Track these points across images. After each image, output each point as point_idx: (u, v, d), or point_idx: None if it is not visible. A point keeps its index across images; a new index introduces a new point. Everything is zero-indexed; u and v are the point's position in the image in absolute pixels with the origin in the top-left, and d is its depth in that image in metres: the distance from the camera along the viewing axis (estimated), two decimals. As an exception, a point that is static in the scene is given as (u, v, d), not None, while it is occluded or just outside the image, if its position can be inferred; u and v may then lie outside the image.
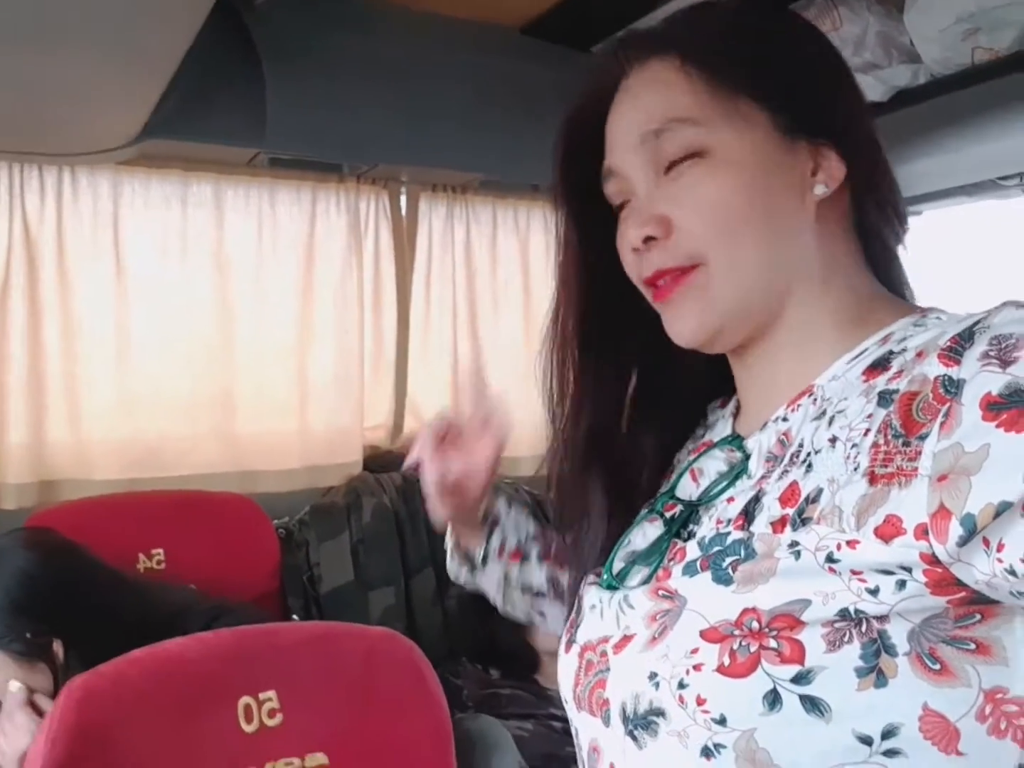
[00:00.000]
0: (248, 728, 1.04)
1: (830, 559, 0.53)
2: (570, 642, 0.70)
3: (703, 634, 0.56)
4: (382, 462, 2.02)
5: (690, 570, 0.61)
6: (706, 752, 0.54)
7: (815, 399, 0.63)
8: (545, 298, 2.30)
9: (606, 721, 0.61)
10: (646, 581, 0.65)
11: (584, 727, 0.64)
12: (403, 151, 1.81)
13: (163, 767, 1.00)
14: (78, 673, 1.28)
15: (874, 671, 0.51)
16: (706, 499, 0.67)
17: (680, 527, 0.67)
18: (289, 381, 1.90)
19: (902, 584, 0.51)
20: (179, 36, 1.18)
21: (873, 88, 1.48)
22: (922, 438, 0.51)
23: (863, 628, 0.52)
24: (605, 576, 0.69)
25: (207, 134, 1.63)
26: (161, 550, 1.64)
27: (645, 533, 0.70)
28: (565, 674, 0.68)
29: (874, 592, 0.52)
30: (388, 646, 1.14)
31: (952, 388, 0.51)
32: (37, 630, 1.29)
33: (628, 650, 0.61)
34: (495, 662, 1.77)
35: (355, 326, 1.94)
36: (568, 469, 0.76)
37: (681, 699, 0.55)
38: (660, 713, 0.57)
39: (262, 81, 1.65)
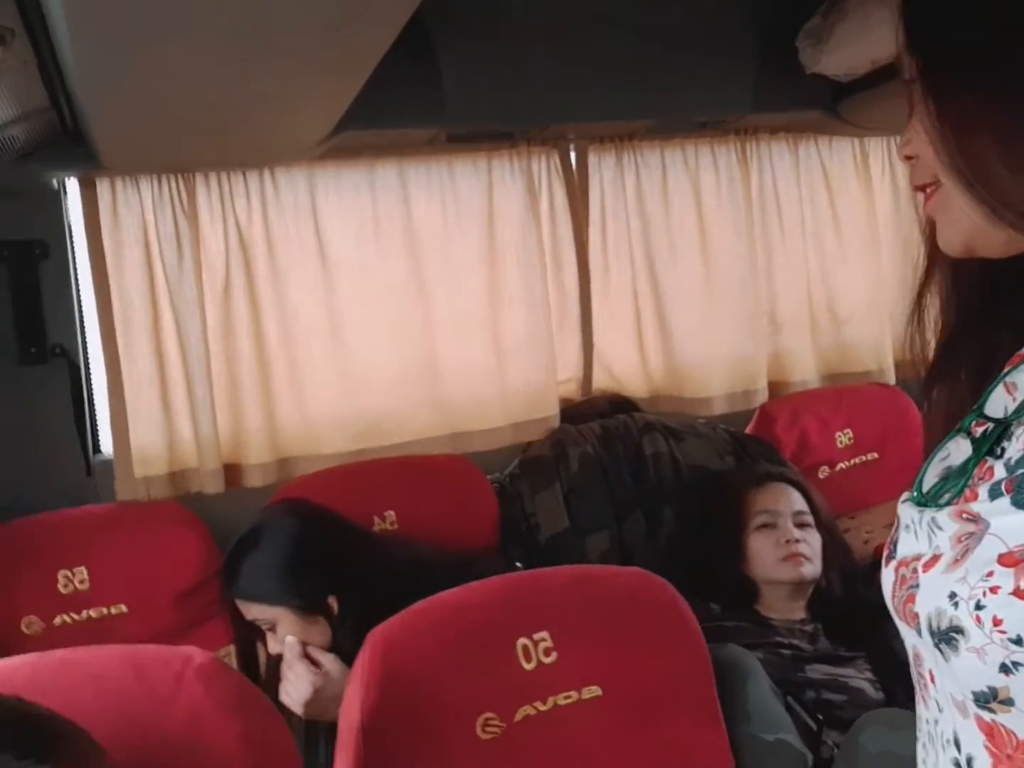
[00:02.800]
0: (528, 666, 1.13)
1: None
2: (889, 557, 0.72)
3: (1001, 558, 0.58)
4: (576, 413, 2.09)
5: (994, 492, 0.62)
6: (1004, 668, 0.57)
7: None
8: (720, 234, 2.28)
9: (919, 632, 0.64)
10: (953, 500, 0.66)
11: (906, 635, 0.68)
12: (571, 108, 1.84)
13: (457, 706, 1.10)
14: (351, 626, 1.44)
15: None
16: (1017, 415, 0.65)
17: (992, 444, 0.67)
18: (485, 345, 1.99)
19: None
20: (383, 34, 1.24)
21: None
22: None
23: None
24: (915, 493, 0.71)
25: (391, 120, 1.71)
26: (392, 512, 1.77)
27: (959, 447, 0.70)
28: (885, 586, 0.71)
29: None
30: (644, 584, 1.21)
31: None
32: (313, 586, 1.44)
33: (935, 569, 0.63)
34: (714, 596, 1.82)
35: (539, 285, 2.01)
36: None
37: (978, 619, 0.58)
38: (960, 631, 0.59)
39: (436, 60, 1.72)
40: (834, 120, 2.06)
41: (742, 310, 2.16)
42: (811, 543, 1.81)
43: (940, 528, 0.65)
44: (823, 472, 2.15)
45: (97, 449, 1.86)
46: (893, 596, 0.69)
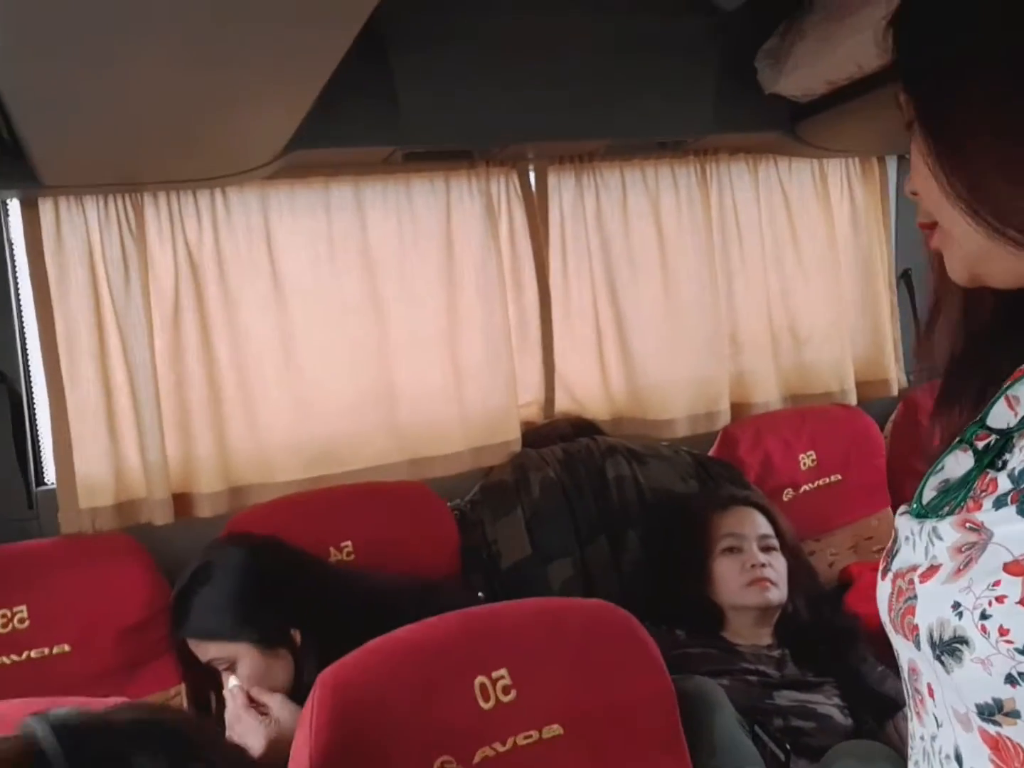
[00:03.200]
0: (486, 706, 1.09)
1: None
2: (886, 569, 0.71)
3: (1007, 567, 0.57)
4: (538, 437, 2.06)
5: (999, 503, 0.62)
6: (1010, 679, 0.56)
7: None
8: (681, 255, 2.27)
9: (917, 645, 0.63)
10: (954, 511, 0.66)
11: (901, 649, 0.68)
12: (530, 128, 1.82)
13: (413, 750, 1.06)
14: (314, 660, 1.38)
15: None
16: (1020, 427, 0.65)
17: (994, 457, 0.66)
18: (444, 368, 1.95)
19: None
20: (336, 44, 1.21)
21: None
22: None
23: None
24: (915, 505, 0.70)
25: (346, 139, 1.67)
26: (349, 541, 1.72)
27: (958, 461, 0.70)
28: (881, 599, 0.71)
29: None
30: (605, 616, 1.17)
31: None
32: (272, 617, 1.38)
33: (934, 580, 0.63)
34: (680, 622, 1.79)
35: (499, 307, 1.97)
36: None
37: (983, 629, 0.57)
38: (964, 641, 0.58)
39: (391, 78, 1.69)
40: (792, 141, 2.06)
41: (703, 331, 2.15)
42: (777, 567, 1.79)
43: (940, 538, 0.65)
44: (787, 494, 2.13)
45: (41, 480, 1.78)
46: (890, 609, 0.68)
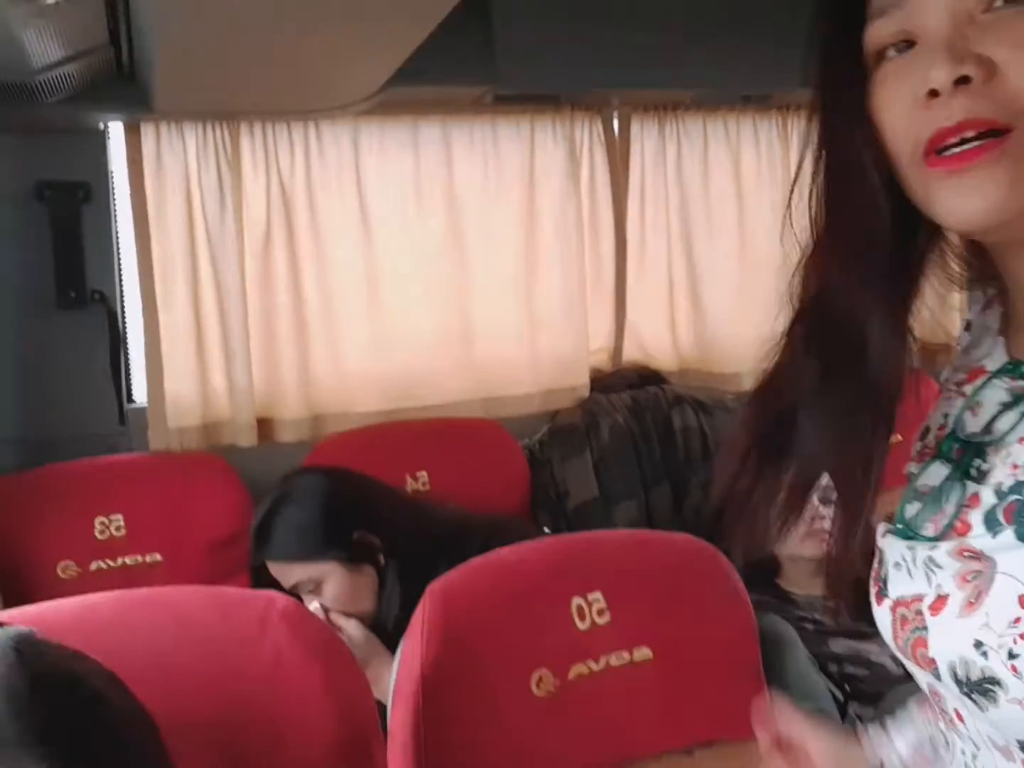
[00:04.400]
0: (582, 626, 1.14)
1: None
2: (880, 595, 0.68)
3: (1021, 601, 0.53)
4: (605, 384, 2.10)
5: (991, 524, 0.58)
6: None
7: None
8: (758, 211, 2.27)
9: (937, 677, 0.60)
10: (944, 532, 0.62)
11: (917, 675, 0.64)
12: (617, 75, 1.83)
13: (513, 663, 1.11)
14: (396, 583, 1.44)
15: None
16: (996, 437, 0.60)
17: (968, 466, 0.62)
18: (519, 310, 1.99)
19: None
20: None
21: None
22: None
23: None
24: (899, 525, 0.66)
25: (442, 77, 1.69)
26: (425, 472, 1.78)
27: (934, 474, 0.65)
28: (882, 625, 0.67)
29: None
30: (695, 550, 1.22)
31: None
32: (353, 536, 1.43)
33: (945, 613, 0.59)
34: (736, 570, 1.83)
35: (576, 252, 2.00)
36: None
37: (1014, 669, 0.53)
38: (996, 682, 0.55)
39: (489, 19, 1.70)
40: (879, 99, 2.05)
41: (776, 287, 2.16)
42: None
43: (939, 567, 0.61)
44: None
45: (130, 398, 1.85)
46: (896, 637, 0.65)
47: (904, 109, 0.54)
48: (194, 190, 1.73)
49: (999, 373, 0.62)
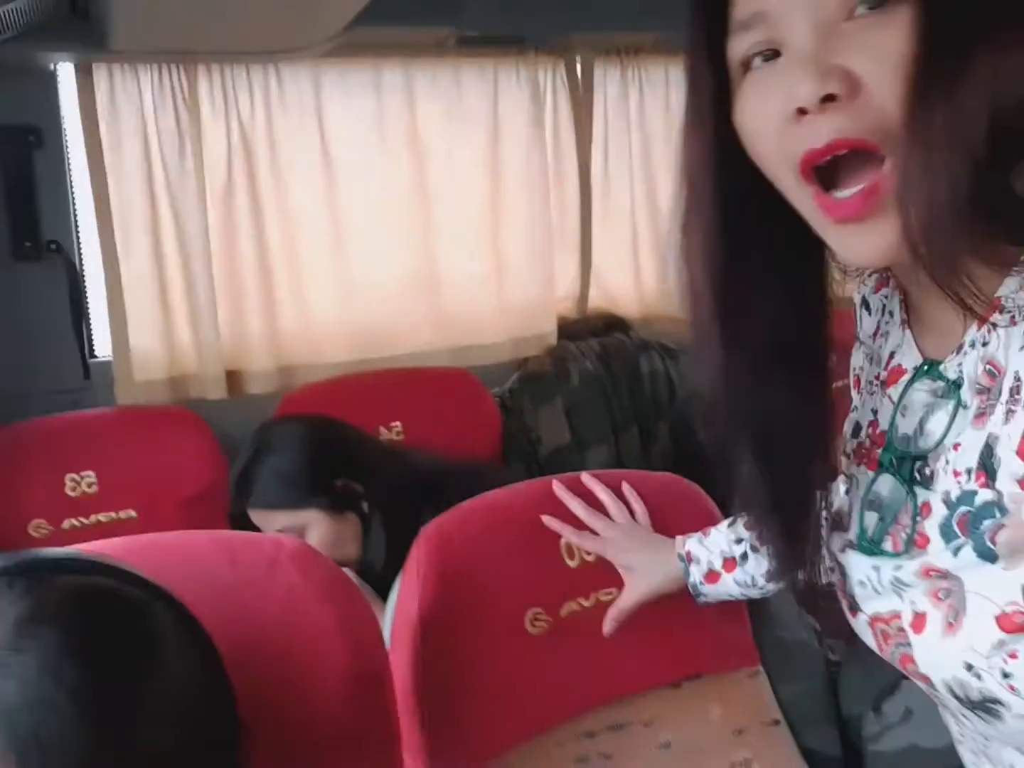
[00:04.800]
0: (571, 563, 1.15)
1: None
2: (853, 608, 0.68)
3: (1000, 623, 0.54)
4: (572, 331, 2.11)
5: (949, 536, 0.58)
6: None
7: (1011, 315, 0.54)
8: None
9: (932, 688, 0.61)
10: (906, 547, 0.62)
11: (910, 675, 0.64)
12: (585, 16, 1.80)
13: (508, 602, 1.12)
14: (379, 529, 1.44)
15: None
16: (932, 444, 0.61)
17: (912, 473, 0.63)
18: (485, 257, 1.98)
19: None
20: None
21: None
22: None
23: None
24: (861, 542, 0.66)
25: (405, 17, 1.65)
26: (399, 423, 1.77)
27: (883, 484, 0.66)
28: (862, 634, 0.67)
29: None
30: (679, 487, 1.24)
31: None
32: (336, 483, 1.43)
33: (927, 633, 0.59)
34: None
35: (541, 199, 1.99)
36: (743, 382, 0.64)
37: (1012, 688, 0.53)
38: (998, 701, 0.55)
39: (455, -43, 1.66)
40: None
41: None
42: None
43: (907, 585, 0.61)
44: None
45: (92, 353, 1.79)
46: (881, 649, 0.66)
47: (773, 124, 0.53)
48: (151, 135, 1.67)
49: (918, 374, 0.63)
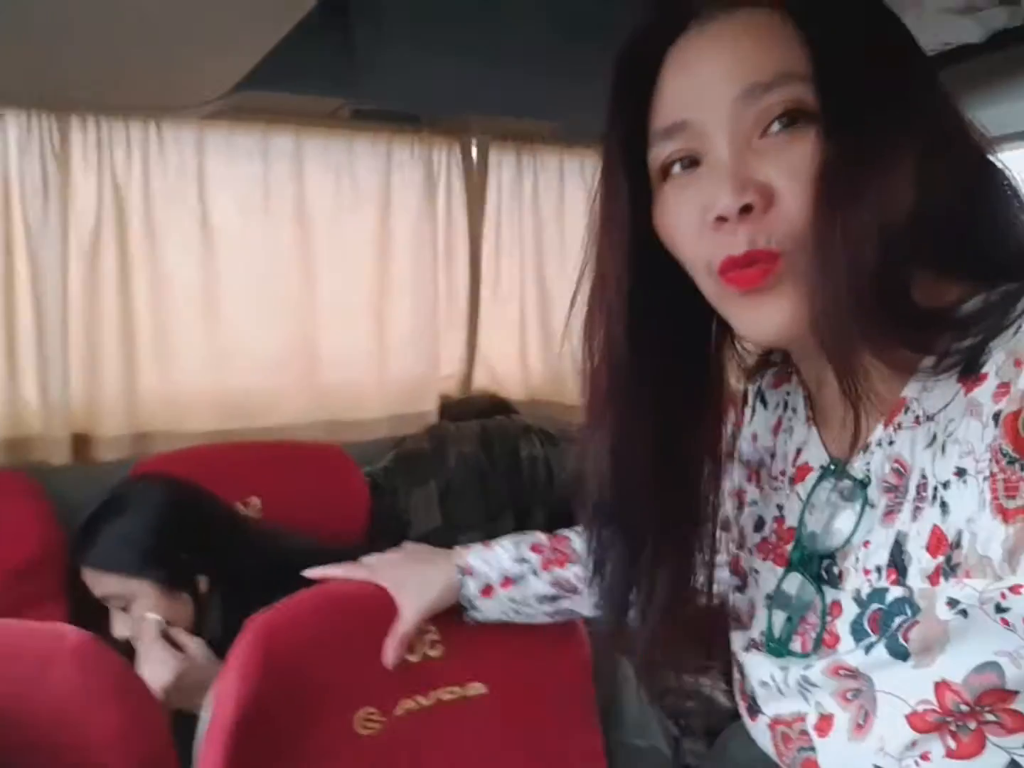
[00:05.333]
0: (412, 658, 1.09)
1: (999, 609, 0.48)
2: (752, 710, 0.66)
3: (911, 723, 0.53)
4: (455, 410, 2.07)
5: (859, 634, 0.57)
6: None
7: (916, 416, 0.56)
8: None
9: None
10: (815, 647, 0.62)
11: None
12: (483, 100, 1.81)
13: (337, 698, 1.05)
14: (219, 611, 1.34)
15: None
16: (840, 543, 0.61)
17: (819, 571, 0.63)
18: (369, 332, 1.93)
19: None
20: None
21: (971, 30, 1.50)
22: None
23: None
24: (769, 643, 0.65)
25: (298, 85, 1.63)
26: (257, 498, 1.68)
27: (790, 580, 0.66)
28: (760, 739, 0.66)
29: None
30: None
31: None
32: (181, 559, 1.32)
33: (834, 736, 0.58)
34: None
35: (430, 276, 1.97)
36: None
37: None
38: None
39: (350, 30, 1.65)
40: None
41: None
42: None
43: (815, 685, 0.59)
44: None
45: (-73, 407, 1.66)
46: (780, 755, 0.65)
47: (693, 229, 0.57)
48: (13, 183, 1.59)
49: (825, 474, 0.64)
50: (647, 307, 0.62)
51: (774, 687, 0.63)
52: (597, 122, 2.11)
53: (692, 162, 0.58)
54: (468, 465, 1.90)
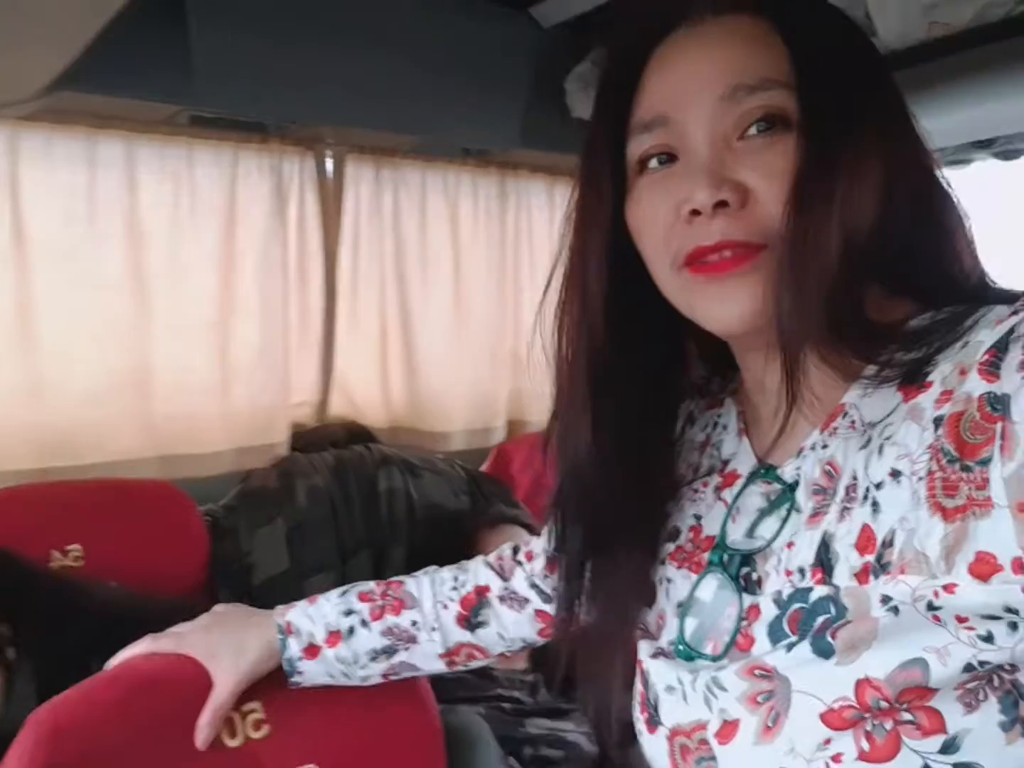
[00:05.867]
0: (232, 743, 0.96)
1: (931, 607, 0.49)
2: (652, 722, 0.65)
3: (825, 720, 0.52)
4: (308, 441, 1.93)
5: (777, 635, 0.57)
6: None
7: (852, 421, 0.57)
8: (474, 268, 2.23)
9: None
10: (726, 650, 0.61)
11: None
12: (333, 110, 1.71)
13: (143, 795, 0.91)
14: (33, 688, 1.17)
15: (1018, 722, 0.49)
16: (762, 545, 0.61)
17: (738, 576, 0.62)
18: (210, 358, 1.77)
19: (1014, 626, 0.48)
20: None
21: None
22: (983, 463, 0.48)
23: (995, 683, 0.50)
24: (680, 647, 0.64)
25: (127, 87, 1.48)
26: (78, 545, 1.50)
27: (705, 586, 0.65)
28: (657, 754, 0.64)
29: (988, 639, 0.49)
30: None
31: (999, 406, 0.48)
32: None
33: (738, 741, 0.57)
34: None
35: (280, 297, 1.83)
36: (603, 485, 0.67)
37: None
38: None
39: (186, 31, 1.51)
40: (593, 169, 2.09)
41: (489, 346, 2.12)
42: (540, 591, 1.78)
43: (723, 688, 0.58)
44: (554, 516, 2.14)
45: None
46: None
47: (665, 220, 0.59)
48: None
49: (753, 478, 0.65)
50: (624, 298, 0.64)
51: (679, 692, 0.62)
52: (460, 136, 2.03)
53: (670, 158, 0.60)
54: (319, 500, 1.76)
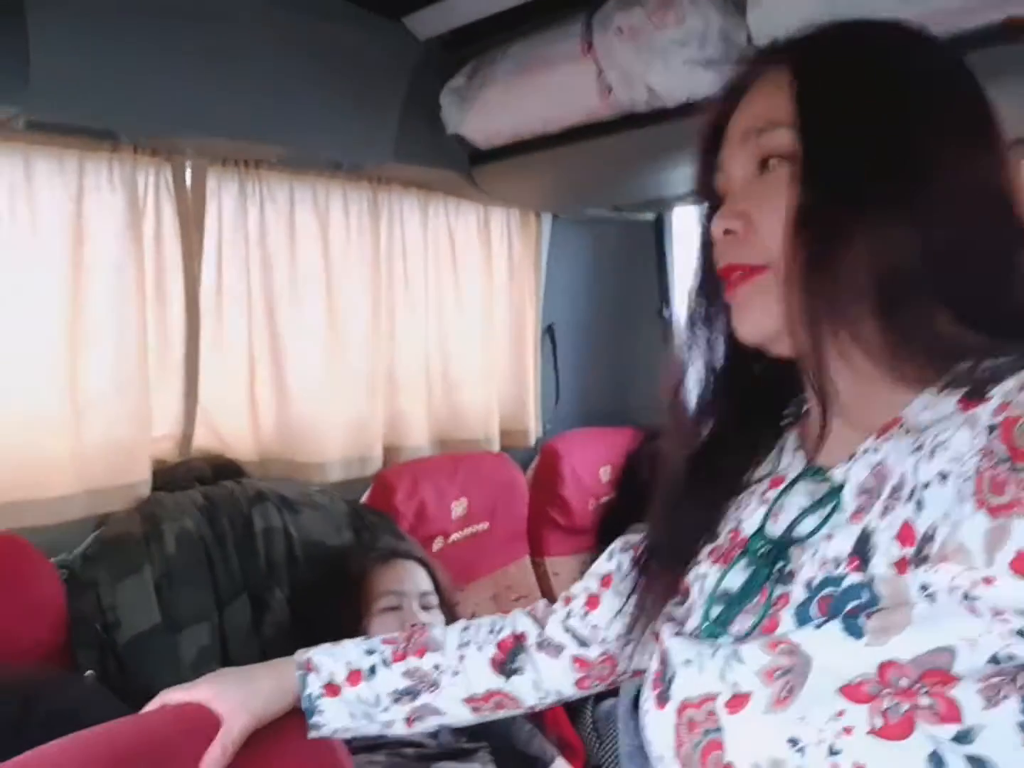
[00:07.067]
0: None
1: (968, 597, 0.51)
2: (662, 698, 0.66)
3: (846, 692, 0.53)
4: (171, 478, 1.75)
5: (804, 616, 0.59)
6: None
7: (907, 430, 0.61)
8: (347, 285, 2.11)
9: None
10: (750, 631, 0.63)
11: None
12: (192, 119, 1.57)
13: None
14: None
15: None
16: (801, 537, 0.64)
17: (771, 566, 0.65)
18: (55, 390, 1.57)
19: None
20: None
21: (713, 83, 1.49)
22: None
23: (1018, 682, 0.51)
24: (704, 624, 0.67)
25: (-51, 86, 1.28)
26: (-95, 615, 1.29)
27: (737, 575, 0.68)
28: (661, 731, 0.65)
29: (1022, 634, 0.50)
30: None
31: None
32: None
33: (748, 711, 0.58)
34: None
35: (136, 321, 1.64)
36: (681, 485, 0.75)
37: (835, 767, 0.52)
38: None
39: (24, 26, 1.33)
40: (467, 184, 2.03)
41: (363, 368, 2.01)
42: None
43: (742, 661, 0.60)
44: (438, 544, 2.06)
45: None
46: (679, 744, 0.62)
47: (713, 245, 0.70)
48: None
49: (800, 477, 0.68)
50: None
51: (696, 664, 0.64)
52: (331, 149, 1.91)
53: (726, 195, 0.71)
54: (190, 545, 1.59)
